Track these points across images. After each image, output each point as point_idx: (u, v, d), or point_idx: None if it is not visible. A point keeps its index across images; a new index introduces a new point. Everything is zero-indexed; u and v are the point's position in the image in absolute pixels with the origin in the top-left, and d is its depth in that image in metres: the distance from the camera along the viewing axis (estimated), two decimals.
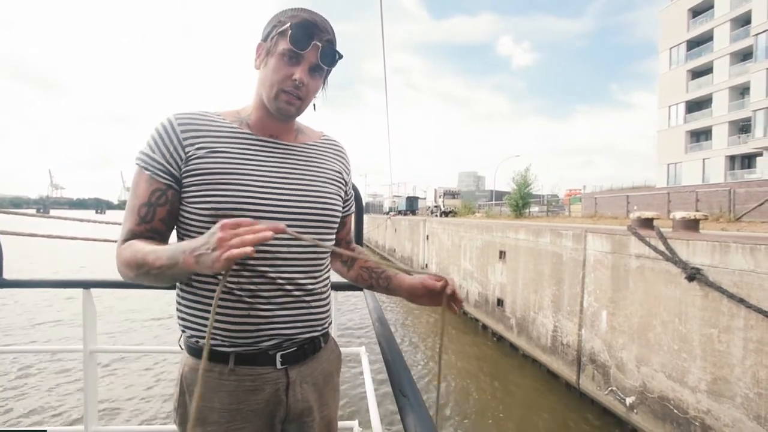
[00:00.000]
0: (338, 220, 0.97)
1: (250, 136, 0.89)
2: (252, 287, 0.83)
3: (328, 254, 0.97)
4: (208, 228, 0.81)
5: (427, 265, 17.70)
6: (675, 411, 5.20)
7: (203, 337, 0.84)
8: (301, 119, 0.98)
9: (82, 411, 1.60)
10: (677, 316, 5.23)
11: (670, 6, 30.99)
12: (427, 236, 17.74)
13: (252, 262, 0.82)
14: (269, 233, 0.67)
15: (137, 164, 0.84)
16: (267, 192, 0.85)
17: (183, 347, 0.90)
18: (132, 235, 0.83)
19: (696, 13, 29.27)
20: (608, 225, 10.19)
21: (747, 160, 26.86)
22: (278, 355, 0.86)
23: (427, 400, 7.13)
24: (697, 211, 8.87)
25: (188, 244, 0.71)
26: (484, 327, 11.24)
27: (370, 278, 1.08)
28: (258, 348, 0.84)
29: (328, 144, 1.03)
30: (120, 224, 0.86)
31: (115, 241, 0.86)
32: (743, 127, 26.38)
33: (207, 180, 0.82)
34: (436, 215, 27.91)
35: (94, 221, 3.19)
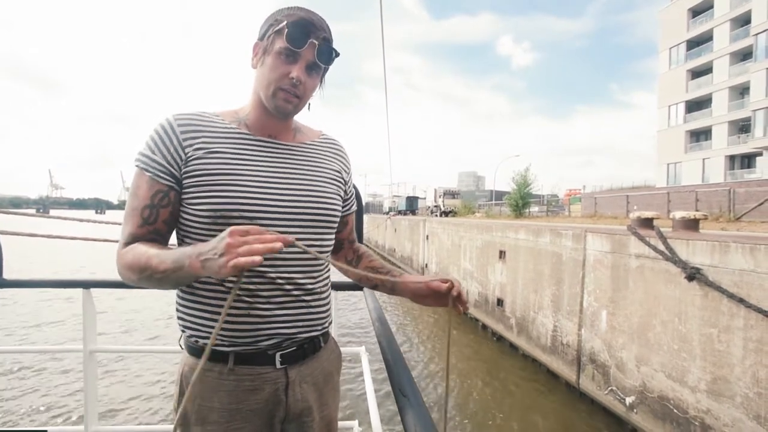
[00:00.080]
0: (338, 219, 0.97)
1: (248, 137, 0.89)
2: (251, 287, 0.82)
3: (328, 254, 0.97)
4: (208, 229, 0.81)
5: (427, 265, 17.71)
6: (675, 411, 5.20)
7: (203, 337, 0.84)
8: (301, 119, 0.98)
9: (82, 411, 1.60)
10: (677, 315, 5.24)
11: (670, 6, 30.99)
12: (427, 236, 17.74)
13: None
14: (279, 245, 0.66)
15: (137, 166, 0.84)
16: (266, 193, 0.85)
17: (183, 347, 0.90)
18: (134, 238, 0.82)
19: (696, 13, 29.27)
20: (608, 225, 10.19)
21: (747, 160, 26.86)
22: (278, 354, 0.86)
23: (427, 400, 7.13)
24: (696, 210, 8.86)
25: (195, 248, 0.71)
26: (484, 327, 11.24)
27: (374, 278, 1.06)
28: (257, 347, 0.84)
29: (327, 143, 1.02)
30: (120, 224, 0.85)
31: (115, 241, 0.85)
32: (743, 127, 26.38)
33: (206, 181, 0.82)
34: (436, 215, 27.90)
35: (94, 221, 3.18)
